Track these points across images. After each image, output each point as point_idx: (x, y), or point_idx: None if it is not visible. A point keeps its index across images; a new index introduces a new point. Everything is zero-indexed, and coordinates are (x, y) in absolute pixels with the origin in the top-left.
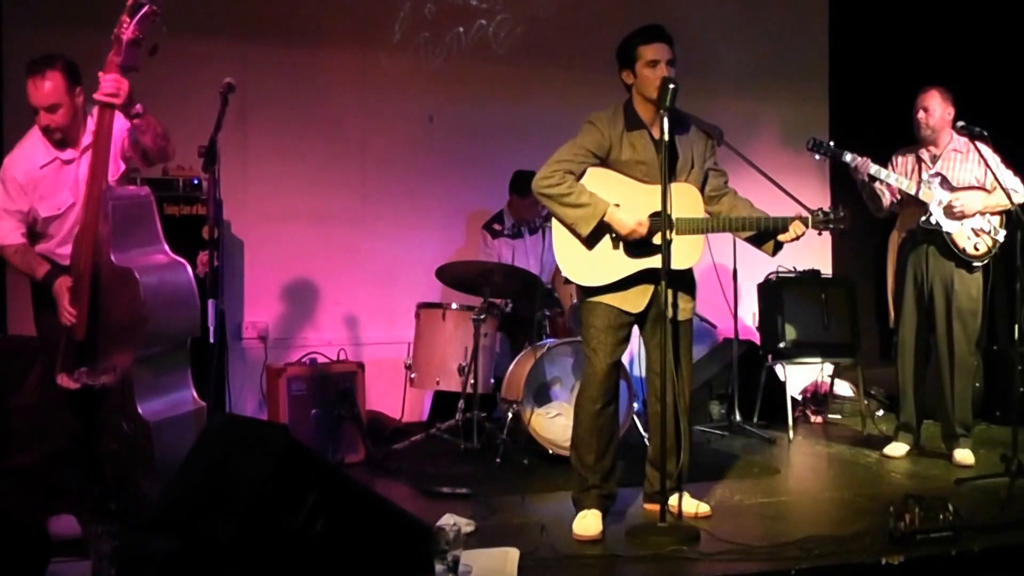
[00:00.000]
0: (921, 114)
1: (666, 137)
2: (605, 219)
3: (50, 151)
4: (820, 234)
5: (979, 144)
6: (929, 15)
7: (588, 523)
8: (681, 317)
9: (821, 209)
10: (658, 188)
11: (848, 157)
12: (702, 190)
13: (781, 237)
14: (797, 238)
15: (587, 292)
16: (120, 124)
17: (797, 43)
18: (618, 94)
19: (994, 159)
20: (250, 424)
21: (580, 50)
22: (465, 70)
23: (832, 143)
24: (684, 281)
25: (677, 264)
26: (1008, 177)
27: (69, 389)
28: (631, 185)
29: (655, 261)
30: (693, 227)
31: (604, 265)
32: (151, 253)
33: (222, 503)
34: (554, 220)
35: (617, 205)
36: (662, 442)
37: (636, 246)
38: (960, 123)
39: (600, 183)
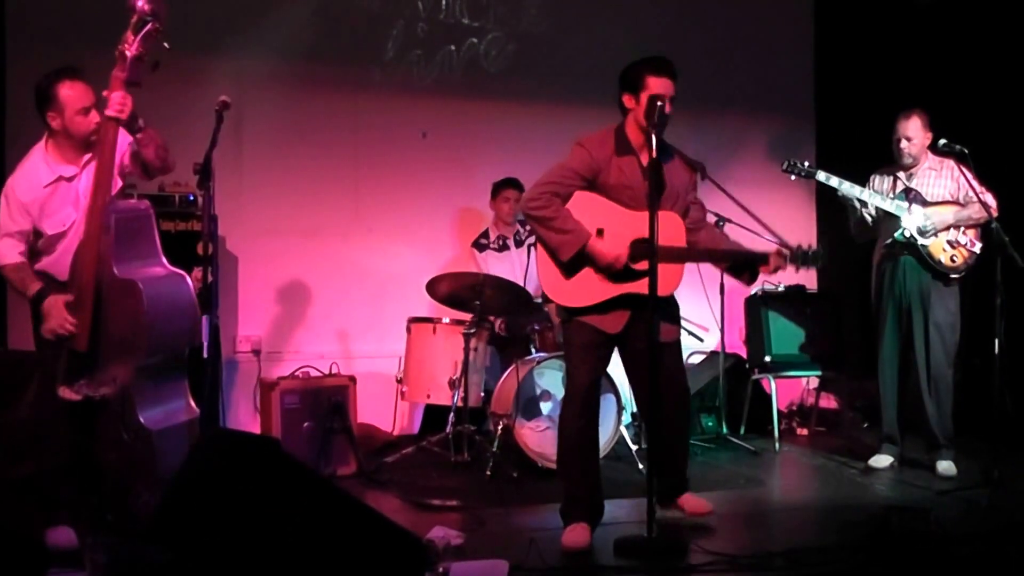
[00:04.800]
0: (904, 143)
1: (654, 153)
2: (586, 249)
3: (52, 170)
4: (797, 271)
5: (958, 162)
6: (912, 39)
7: (576, 535)
8: (666, 339)
9: (800, 246)
10: (643, 215)
11: (822, 176)
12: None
13: (762, 270)
14: (776, 271)
15: (568, 311)
16: (121, 139)
17: (783, 66)
18: (609, 112)
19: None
20: (242, 437)
21: (570, 68)
22: (457, 87)
23: (807, 163)
24: (667, 306)
25: (657, 291)
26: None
27: (70, 400)
28: (616, 211)
29: (635, 287)
30: (676, 255)
31: (585, 287)
32: (151, 265)
33: (215, 516)
34: None
35: (601, 230)
36: (650, 457)
37: (618, 270)
38: (942, 141)
39: (585, 207)
